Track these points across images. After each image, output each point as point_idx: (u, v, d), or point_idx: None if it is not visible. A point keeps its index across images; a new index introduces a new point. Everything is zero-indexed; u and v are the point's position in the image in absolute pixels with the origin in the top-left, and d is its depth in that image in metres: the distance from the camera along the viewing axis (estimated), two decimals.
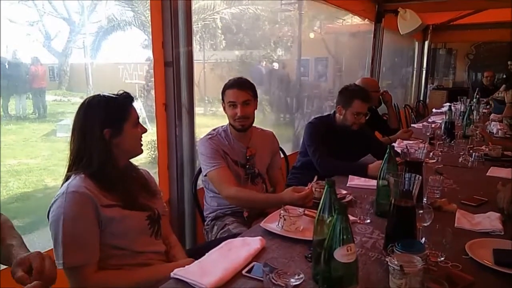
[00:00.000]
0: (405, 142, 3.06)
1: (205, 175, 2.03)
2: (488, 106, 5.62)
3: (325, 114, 2.88)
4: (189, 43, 2.32)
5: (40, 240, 2.01)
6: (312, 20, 6.20)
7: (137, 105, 1.49)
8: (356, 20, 5.92)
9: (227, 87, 2.05)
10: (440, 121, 3.94)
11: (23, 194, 4.99)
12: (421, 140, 3.24)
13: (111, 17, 8.15)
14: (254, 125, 2.15)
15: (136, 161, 1.56)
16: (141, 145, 1.50)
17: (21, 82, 7.33)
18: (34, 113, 7.87)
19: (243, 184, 2.07)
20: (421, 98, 8.46)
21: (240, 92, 2.01)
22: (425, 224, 1.35)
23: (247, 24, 7.77)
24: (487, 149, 2.79)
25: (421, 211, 1.34)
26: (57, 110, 8.53)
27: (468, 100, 4.94)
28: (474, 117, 4.00)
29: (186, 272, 1.19)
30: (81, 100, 1.45)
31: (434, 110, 5.86)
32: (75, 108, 1.44)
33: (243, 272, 1.22)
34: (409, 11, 5.22)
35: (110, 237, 1.36)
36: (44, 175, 5.56)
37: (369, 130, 2.95)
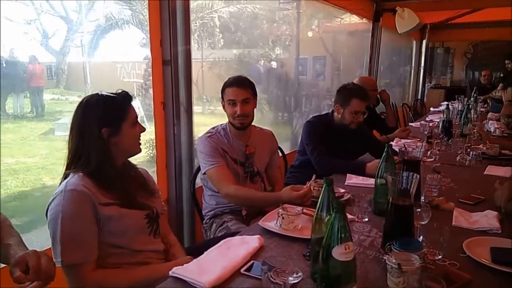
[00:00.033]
0: (403, 140, 3.08)
1: (204, 173, 2.03)
2: (485, 105, 5.63)
3: (323, 113, 2.89)
4: (187, 41, 2.31)
5: (38, 239, 2.00)
6: (310, 19, 6.20)
7: (135, 103, 1.48)
8: (354, 19, 5.92)
9: (226, 85, 2.06)
10: (438, 120, 3.95)
11: (21, 193, 4.97)
12: (418, 139, 3.25)
13: (109, 16, 8.13)
14: (253, 123, 2.15)
15: (134, 159, 1.56)
16: (140, 144, 1.50)
17: (18, 80, 7.31)
18: (32, 111, 7.84)
19: (242, 182, 2.07)
20: (419, 97, 8.48)
21: (240, 90, 2.01)
22: (423, 223, 1.35)
23: (245, 23, 7.76)
24: (484, 148, 2.80)
25: (419, 210, 1.35)
26: (55, 108, 8.50)
27: (466, 99, 4.95)
28: (472, 115, 4.01)
29: (185, 270, 1.20)
30: (79, 99, 1.45)
31: (432, 108, 5.87)
32: (73, 106, 1.44)
33: (242, 270, 1.22)
34: (407, 10, 5.22)
35: (109, 236, 1.36)
36: (42, 174, 5.54)
37: (367, 128, 2.96)
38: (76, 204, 1.30)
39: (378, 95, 3.83)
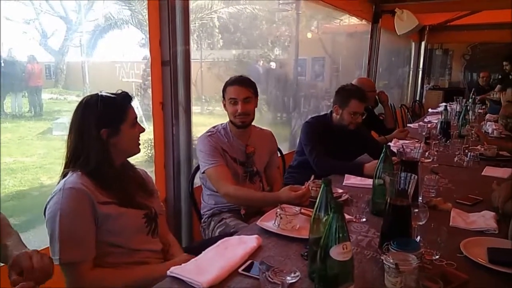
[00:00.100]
0: (401, 141, 3.08)
1: (203, 172, 2.04)
2: (483, 106, 5.65)
3: (322, 113, 2.89)
4: (187, 42, 2.32)
5: (36, 238, 2.00)
6: (310, 20, 6.21)
7: (134, 104, 1.49)
8: (353, 20, 5.93)
9: (228, 84, 2.06)
10: (436, 121, 3.96)
11: (19, 192, 4.97)
12: (417, 140, 3.26)
13: (108, 16, 8.13)
14: (252, 124, 2.15)
15: (132, 159, 1.56)
16: (139, 144, 1.50)
17: (17, 80, 7.29)
18: (30, 111, 7.83)
19: (241, 182, 2.07)
20: (417, 98, 8.49)
21: (241, 89, 2.02)
22: (420, 223, 1.36)
23: (244, 24, 7.77)
24: (482, 149, 2.81)
25: (417, 210, 1.35)
26: (53, 108, 8.49)
27: (464, 100, 4.97)
28: (470, 117, 4.02)
29: (183, 270, 1.20)
30: (78, 99, 1.45)
31: (430, 110, 5.88)
32: (72, 106, 1.44)
33: (240, 270, 1.22)
34: (406, 12, 5.23)
35: (107, 234, 1.36)
36: (40, 173, 5.54)
37: (366, 129, 2.96)
38: (74, 202, 1.31)
39: (377, 96, 3.84)
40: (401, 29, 5.33)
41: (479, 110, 5.18)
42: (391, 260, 1.06)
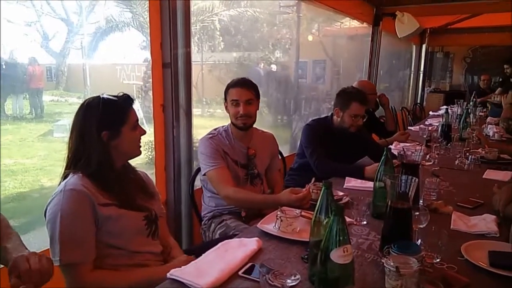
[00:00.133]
0: (402, 144, 3.07)
1: (204, 174, 2.04)
2: (484, 109, 5.64)
3: (323, 116, 2.89)
4: (188, 44, 2.32)
5: (36, 240, 2.00)
6: (311, 23, 6.22)
7: (135, 106, 1.49)
8: (354, 23, 5.95)
9: (230, 86, 2.07)
10: (437, 124, 3.96)
11: (19, 194, 4.97)
12: (417, 143, 3.25)
13: (110, 18, 8.14)
14: (254, 126, 2.15)
15: (133, 161, 1.56)
16: (140, 147, 1.50)
17: (18, 82, 7.31)
18: (31, 113, 7.84)
19: (242, 185, 2.07)
20: (418, 101, 8.49)
21: (243, 90, 2.02)
22: (421, 226, 1.35)
23: (245, 26, 7.78)
24: (483, 152, 2.80)
25: (417, 213, 1.35)
26: (54, 110, 8.50)
27: (465, 103, 4.96)
28: (471, 120, 4.01)
29: (182, 272, 1.19)
30: (79, 101, 1.46)
31: (431, 112, 5.87)
32: (72, 108, 1.45)
33: (240, 273, 1.22)
34: (407, 15, 5.24)
35: (107, 236, 1.36)
36: (41, 175, 5.54)
37: (367, 132, 2.96)
38: (75, 204, 1.31)
39: (377, 99, 3.84)
40: (401, 32, 5.34)
41: (480, 113, 5.17)
42: (392, 263, 1.06)
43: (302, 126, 2.90)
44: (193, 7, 2.41)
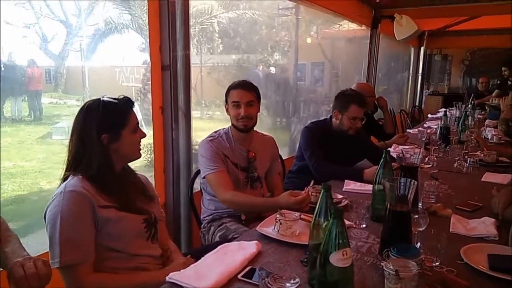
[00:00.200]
0: (401, 147, 3.08)
1: (204, 177, 2.03)
2: (483, 112, 5.66)
3: (322, 118, 2.89)
4: (187, 46, 2.32)
5: (34, 243, 1.99)
6: (309, 25, 6.24)
7: (134, 108, 1.49)
8: (352, 25, 5.96)
9: (231, 87, 2.07)
10: (436, 127, 3.96)
11: (18, 197, 4.96)
12: (416, 145, 3.26)
13: (109, 20, 8.15)
14: (254, 129, 2.15)
15: (132, 164, 1.56)
16: (140, 149, 1.50)
17: (17, 84, 7.31)
18: (30, 115, 7.84)
19: (242, 188, 2.07)
20: (417, 104, 8.50)
21: (245, 92, 2.03)
22: (420, 229, 1.35)
23: (244, 29, 7.80)
24: (482, 155, 2.80)
25: (416, 216, 1.35)
26: (53, 112, 8.50)
27: (464, 105, 4.97)
28: (469, 122, 4.03)
29: (181, 276, 1.19)
30: (77, 103, 1.46)
31: (429, 115, 5.89)
32: (71, 110, 1.45)
33: (239, 276, 1.21)
34: (405, 17, 5.25)
35: (106, 239, 1.36)
36: (39, 178, 5.53)
37: (365, 135, 2.96)
38: (75, 205, 1.31)
39: (376, 102, 3.84)
40: (400, 34, 5.35)
41: (479, 116, 5.19)
42: (391, 267, 1.06)
43: (301, 128, 2.90)
44: (192, 9, 2.41)
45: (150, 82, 2.35)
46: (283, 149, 4.43)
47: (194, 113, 2.51)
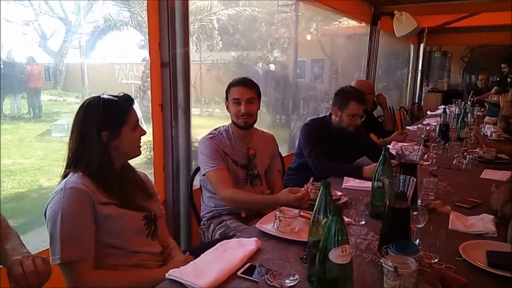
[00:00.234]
0: (400, 144, 3.08)
1: (204, 175, 2.03)
2: (482, 109, 5.66)
3: (321, 115, 2.89)
4: (186, 44, 2.32)
5: (34, 241, 2.00)
6: (309, 22, 6.23)
7: (134, 105, 1.49)
8: (352, 22, 5.95)
9: (232, 85, 2.07)
10: (435, 124, 3.96)
11: (18, 194, 4.96)
12: (415, 142, 3.26)
13: (108, 17, 8.14)
14: (254, 126, 2.15)
15: (132, 161, 1.56)
16: (140, 147, 1.50)
17: (16, 81, 7.29)
18: (29, 113, 7.83)
19: (242, 186, 2.07)
20: (416, 101, 8.50)
21: (245, 89, 2.03)
22: (419, 226, 1.36)
23: (243, 25, 7.79)
24: (481, 152, 2.81)
25: (415, 213, 1.35)
26: (53, 110, 8.49)
27: (463, 102, 4.97)
28: (469, 119, 4.03)
29: (181, 273, 1.19)
30: (77, 100, 1.47)
31: (429, 112, 5.89)
32: (71, 108, 1.45)
33: (238, 273, 1.22)
34: (405, 14, 5.25)
35: (106, 235, 1.37)
36: (39, 175, 5.53)
37: (365, 132, 2.96)
38: (75, 202, 1.31)
39: (375, 99, 3.84)
40: (400, 31, 5.34)
41: (478, 113, 5.19)
42: (390, 263, 1.06)
43: (300, 125, 2.90)
44: (191, 6, 2.41)
45: (149, 79, 2.35)
46: (282, 146, 4.43)
47: (194, 110, 2.52)
